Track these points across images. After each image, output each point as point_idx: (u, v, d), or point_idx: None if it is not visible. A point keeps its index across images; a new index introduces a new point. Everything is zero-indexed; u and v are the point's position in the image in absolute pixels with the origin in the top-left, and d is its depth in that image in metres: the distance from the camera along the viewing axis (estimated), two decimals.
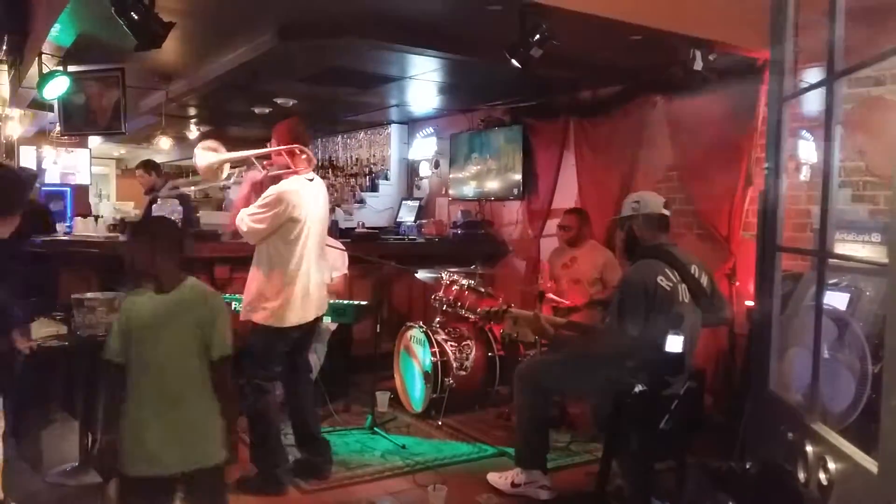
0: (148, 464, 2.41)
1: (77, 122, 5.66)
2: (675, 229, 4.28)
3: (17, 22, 5.38)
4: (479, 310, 4.76)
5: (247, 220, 3.55)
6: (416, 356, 5.08)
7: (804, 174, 4.14)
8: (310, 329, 3.80)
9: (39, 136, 8.91)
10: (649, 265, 3.36)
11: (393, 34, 4.37)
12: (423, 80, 5.80)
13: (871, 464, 1.49)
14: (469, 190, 7.29)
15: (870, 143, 3.81)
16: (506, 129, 6.80)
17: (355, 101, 6.92)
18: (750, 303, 4.25)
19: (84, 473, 3.75)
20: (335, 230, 6.00)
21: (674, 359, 3.19)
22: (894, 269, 1.41)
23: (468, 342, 5.07)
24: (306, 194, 3.61)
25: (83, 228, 5.59)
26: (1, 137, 7.98)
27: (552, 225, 5.95)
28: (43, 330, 3.68)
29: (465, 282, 4.99)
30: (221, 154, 3.73)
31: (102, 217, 6.63)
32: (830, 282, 2.50)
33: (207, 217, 6.26)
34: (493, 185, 6.96)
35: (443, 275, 5.11)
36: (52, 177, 8.92)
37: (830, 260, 1.91)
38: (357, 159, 9.11)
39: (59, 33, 4.36)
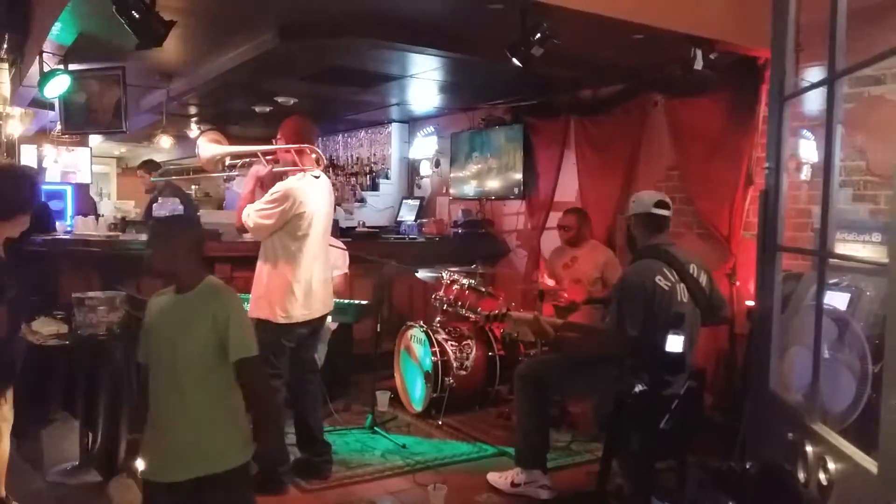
0: (161, 469, 2.36)
1: (78, 120, 5.65)
2: (676, 228, 4.28)
3: (18, 20, 5.38)
4: (479, 311, 4.76)
5: (253, 215, 3.56)
6: (417, 356, 5.08)
7: (805, 174, 4.14)
8: (316, 327, 3.81)
9: (40, 135, 8.91)
10: (647, 265, 3.36)
11: (394, 33, 4.37)
12: (423, 79, 5.80)
13: (870, 464, 1.50)
14: (470, 189, 7.29)
15: (870, 142, 3.81)
16: (506, 128, 6.80)
17: (356, 100, 6.92)
18: (750, 302, 4.24)
19: (84, 472, 3.76)
20: (336, 229, 6.00)
21: (674, 358, 3.19)
22: (895, 268, 1.41)
23: (468, 342, 5.07)
24: (313, 191, 3.63)
25: (84, 227, 5.59)
26: (2, 136, 7.97)
27: (553, 224, 5.95)
28: (44, 329, 3.68)
29: (465, 281, 4.98)
30: (225, 146, 3.73)
31: (103, 216, 6.64)
32: (831, 281, 2.50)
33: (208, 216, 6.27)
34: (493, 184, 6.96)
35: (443, 274, 5.11)
36: (52, 175, 8.92)
37: (831, 260, 1.91)
38: (358, 158, 9.11)
39: (60, 32, 4.36)
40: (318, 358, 4.58)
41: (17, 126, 8.13)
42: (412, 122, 8.34)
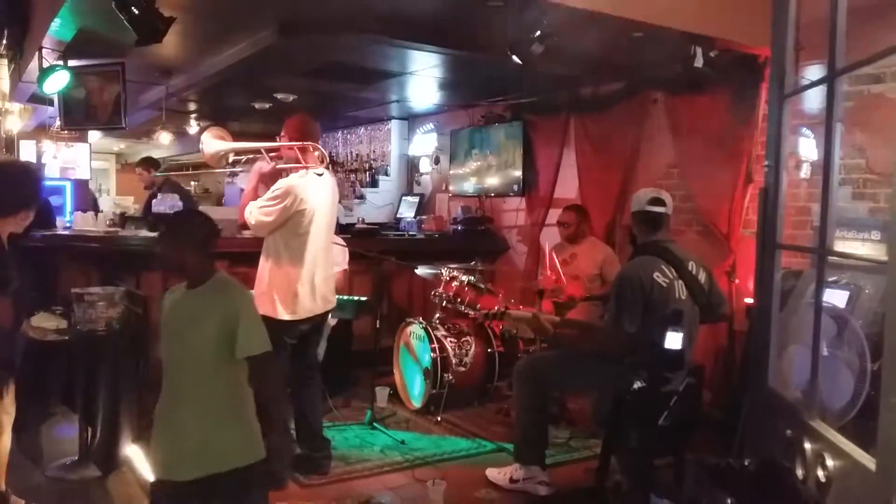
0: (167, 467, 2.35)
1: (77, 116, 5.65)
2: (675, 226, 4.29)
3: (18, 16, 5.37)
4: (478, 307, 4.76)
5: (255, 213, 3.58)
6: (416, 352, 5.08)
7: (804, 172, 4.15)
8: (318, 323, 3.82)
9: (39, 131, 8.91)
10: (646, 261, 3.37)
11: (394, 30, 4.37)
12: (423, 76, 5.80)
13: (869, 461, 1.50)
14: (469, 186, 7.29)
15: (870, 140, 3.82)
16: (506, 126, 6.79)
17: (356, 97, 6.91)
18: (749, 300, 4.25)
19: (84, 467, 3.76)
20: (335, 226, 6.00)
21: (672, 355, 3.19)
22: (894, 266, 1.41)
23: (468, 338, 5.08)
24: (315, 189, 3.64)
25: (83, 223, 5.59)
26: (1, 132, 7.96)
27: (552, 221, 5.95)
28: (43, 324, 3.68)
29: (464, 278, 4.99)
30: (229, 143, 3.73)
31: (102, 212, 6.63)
32: (830, 279, 2.50)
33: (207, 212, 6.26)
34: (493, 181, 6.96)
35: (443, 271, 5.11)
36: (51, 171, 8.91)
37: (830, 257, 1.91)
38: (357, 155, 9.11)
39: (59, 28, 4.35)
40: (318, 353, 4.59)
41: (16, 122, 8.13)
42: (412, 119, 8.34)
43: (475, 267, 5.21)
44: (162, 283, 5.06)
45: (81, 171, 9.23)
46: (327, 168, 3.89)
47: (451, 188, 7.60)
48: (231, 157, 3.80)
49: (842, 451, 1.63)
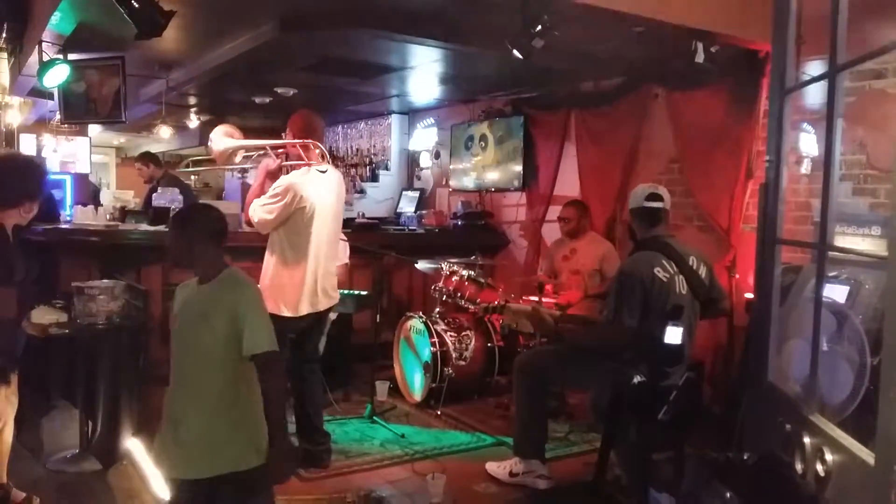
0: (173, 466, 2.33)
1: (77, 110, 5.64)
2: (675, 221, 4.29)
3: (18, 10, 5.36)
4: (478, 302, 4.77)
5: (258, 210, 3.60)
6: (416, 346, 5.09)
7: (805, 167, 4.14)
8: (319, 318, 3.82)
9: (39, 125, 8.88)
10: (646, 256, 3.37)
11: (394, 24, 4.36)
12: (424, 71, 5.79)
13: (867, 455, 1.50)
14: (469, 181, 7.29)
15: (871, 136, 3.81)
16: (507, 120, 6.79)
17: (356, 91, 6.91)
18: (749, 295, 4.25)
19: (84, 460, 3.77)
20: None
21: (672, 350, 3.20)
22: (894, 262, 1.42)
23: (468, 332, 5.09)
24: (317, 186, 3.64)
25: (83, 217, 5.59)
26: (1, 126, 7.95)
27: (553, 216, 5.95)
28: (44, 318, 3.68)
29: (464, 272, 4.99)
30: (237, 140, 3.75)
31: (103, 206, 6.63)
32: (830, 274, 2.50)
33: None
34: (493, 175, 6.96)
35: (443, 265, 5.12)
36: (51, 165, 8.88)
37: (830, 253, 1.91)
38: (357, 149, 9.10)
39: (59, 21, 4.34)
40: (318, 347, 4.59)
41: (16, 115, 8.11)
42: (412, 114, 8.33)
43: (475, 262, 5.22)
44: (162, 276, 5.07)
45: (81, 165, 9.20)
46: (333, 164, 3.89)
47: (451, 183, 7.60)
48: (240, 155, 3.80)
49: (841, 445, 1.63)
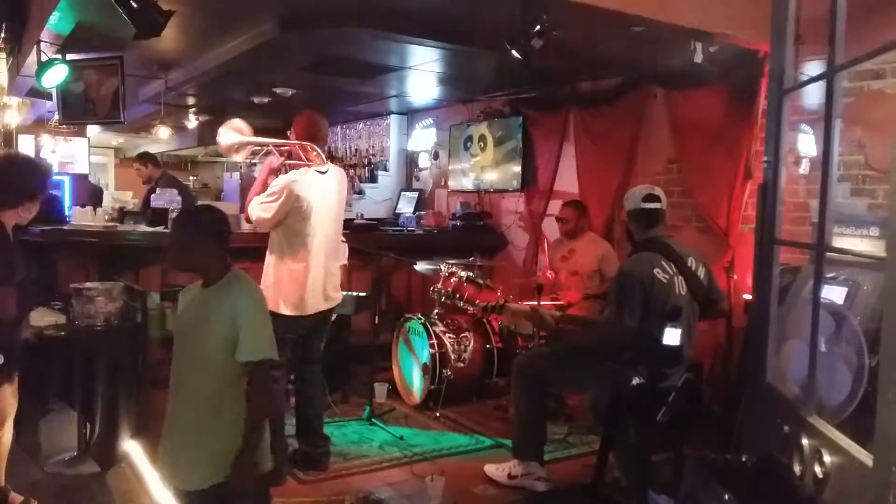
0: (167, 477, 2.30)
1: (76, 110, 5.64)
2: (674, 222, 4.29)
3: (16, 9, 5.36)
4: (477, 303, 4.76)
5: (256, 209, 3.62)
6: (415, 348, 5.08)
7: (803, 167, 4.14)
8: (321, 319, 3.82)
9: (38, 125, 8.88)
10: (646, 257, 3.37)
11: (393, 24, 4.36)
12: (422, 71, 5.78)
13: (866, 457, 1.50)
14: (468, 181, 7.29)
15: (869, 136, 3.81)
16: (506, 121, 6.79)
17: (355, 92, 6.90)
18: (748, 296, 4.25)
19: (83, 463, 3.77)
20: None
21: (671, 351, 3.20)
22: (892, 263, 1.41)
23: (466, 334, 5.08)
24: (315, 186, 3.65)
25: (81, 218, 5.58)
26: None
27: (551, 217, 5.95)
28: (43, 319, 3.68)
29: (463, 273, 4.98)
30: (244, 136, 3.75)
31: (101, 207, 6.63)
32: (828, 275, 2.50)
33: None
34: (492, 176, 6.96)
35: (441, 266, 5.10)
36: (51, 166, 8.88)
37: (828, 254, 1.91)
38: (356, 150, 9.10)
39: (57, 21, 4.34)
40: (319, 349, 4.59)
41: (14, 116, 8.10)
42: (411, 114, 8.33)
43: (474, 262, 5.21)
44: (161, 278, 5.06)
45: (80, 165, 9.20)
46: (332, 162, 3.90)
47: (450, 183, 7.60)
48: (246, 151, 3.80)
49: (839, 446, 1.63)
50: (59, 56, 4.80)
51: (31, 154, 8.47)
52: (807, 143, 4.12)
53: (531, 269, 6.21)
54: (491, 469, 3.82)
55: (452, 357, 4.91)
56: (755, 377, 2.15)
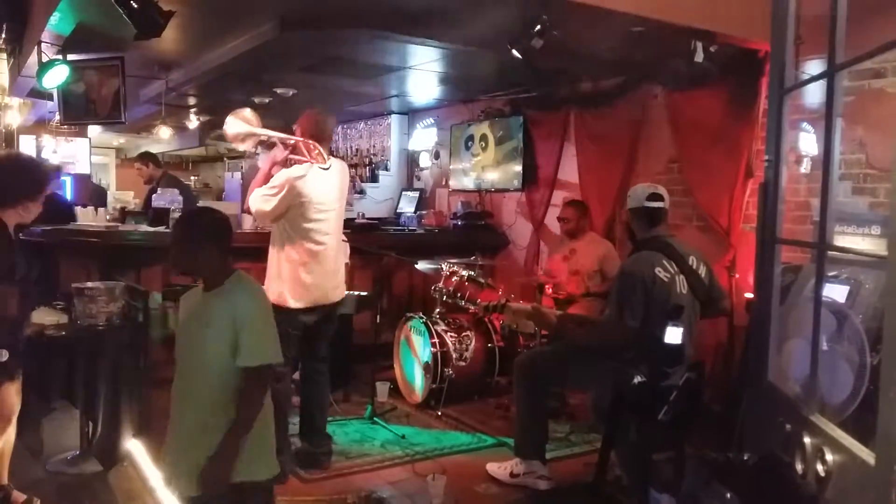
0: (172, 482, 2.28)
1: (77, 111, 5.64)
2: (675, 221, 4.29)
3: (17, 10, 5.36)
4: (478, 302, 4.77)
5: (257, 201, 3.64)
6: (416, 347, 5.09)
7: (804, 166, 4.14)
8: (326, 315, 3.83)
9: (39, 126, 8.89)
10: (647, 256, 3.37)
11: (394, 24, 4.36)
12: (423, 71, 5.79)
13: (868, 455, 1.50)
14: (469, 181, 7.29)
15: (870, 135, 3.81)
16: (506, 120, 6.79)
17: (356, 91, 6.90)
18: (749, 295, 4.25)
19: (85, 462, 3.77)
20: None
21: (673, 350, 3.20)
22: (893, 261, 1.41)
23: (468, 333, 5.09)
24: (317, 182, 3.67)
25: (83, 218, 5.59)
26: (0, 126, 7.96)
27: (552, 216, 5.95)
28: (45, 319, 3.69)
29: (465, 273, 4.99)
30: (251, 127, 3.76)
31: (105, 207, 6.64)
32: (830, 274, 2.50)
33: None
34: (493, 175, 6.96)
35: (443, 266, 5.11)
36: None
37: (830, 252, 1.91)
38: (357, 150, 9.10)
39: (58, 22, 4.34)
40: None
41: (15, 116, 8.12)
42: (412, 114, 8.33)
43: (475, 262, 5.22)
44: (162, 277, 5.07)
45: (81, 165, 9.21)
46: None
47: (451, 183, 7.60)
48: (252, 141, 3.81)
49: (841, 445, 1.63)
50: (60, 57, 4.80)
51: (33, 154, 8.49)
52: (808, 142, 4.12)
53: (532, 268, 6.21)
54: (493, 468, 3.82)
55: (454, 356, 4.92)
56: (757, 376, 2.15)
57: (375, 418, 4.60)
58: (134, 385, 3.77)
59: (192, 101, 7.65)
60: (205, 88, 6.78)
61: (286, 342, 3.60)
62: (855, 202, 3.90)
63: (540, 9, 3.58)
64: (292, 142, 3.76)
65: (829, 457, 1.65)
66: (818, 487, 1.68)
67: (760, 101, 4.42)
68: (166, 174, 7.21)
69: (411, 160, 8.41)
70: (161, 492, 3.05)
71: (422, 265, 5.34)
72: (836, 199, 2.05)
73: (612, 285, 3.59)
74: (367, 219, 6.78)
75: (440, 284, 5.07)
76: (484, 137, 7.05)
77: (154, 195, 5.98)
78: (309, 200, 3.62)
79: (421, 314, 5.16)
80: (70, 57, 4.89)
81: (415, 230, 6.88)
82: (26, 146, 8.71)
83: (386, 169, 8.51)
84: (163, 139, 8.76)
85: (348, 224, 6.25)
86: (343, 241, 4.99)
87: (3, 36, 5.76)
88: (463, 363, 4.97)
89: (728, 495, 1.96)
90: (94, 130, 9.46)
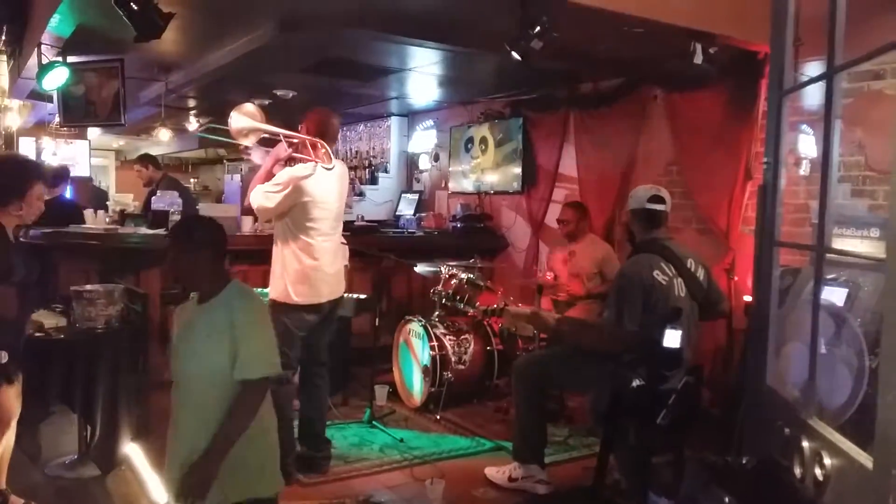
0: (176, 496, 2.20)
1: (76, 113, 5.64)
2: (674, 223, 4.28)
3: (17, 12, 5.36)
4: (477, 305, 4.76)
5: (259, 197, 3.65)
6: (415, 350, 5.08)
7: (803, 168, 4.14)
8: (326, 317, 3.83)
9: (38, 128, 8.90)
10: (645, 259, 3.36)
11: (393, 26, 4.36)
12: (422, 73, 5.79)
13: (866, 459, 1.49)
14: (469, 183, 7.29)
15: (869, 137, 3.81)
16: (506, 122, 6.79)
17: (355, 94, 6.91)
18: (748, 297, 4.24)
19: (83, 466, 3.77)
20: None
21: (671, 353, 3.19)
22: (892, 264, 1.41)
23: (467, 336, 5.08)
24: (320, 182, 3.68)
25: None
26: (0, 128, 7.96)
27: (552, 218, 5.95)
28: (44, 321, 3.68)
29: (464, 275, 4.99)
30: (255, 122, 3.75)
31: (107, 211, 6.64)
32: (829, 277, 2.50)
33: (207, 209, 6.26)
34: (492, 178, 6.96)
35: (442, 268, 5.11)
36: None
37: (829, 255, 1.91)
38: (357, 152, 9.11)
39: (58, 24, 4.35)
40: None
41: (15, 118, 8.12)
42: (411, 116, 8.33)
43: (474, 264, 5.21)
44: (161, 280, 5.06)
45: (81, 167, 9.22)
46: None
47: (450, 185, 7.60)
48: (255, 136, 3.80)
49: (839, 449, 1.62)
50: (60, 59, 4.80)
51: (33, 156, 8.50)
52: (807, 144, 4.11)
53: (531, 270, 6.21)
54: (491, 472, 3.81)
55: (453, 359, 4.91)
56: (755, 379, 2.14)
57: (374, 422, 4.59)
58: (132, 389, 3.76)
59: (191, 102, 7.65)
60: (204, 90, 6.78)
61: (290, 342, 3.62)
62: (854, 204, 3.89)
63: (539, 10, 3.58)
64: (296, 141, 3.75)
65: (827, 461, 1.64)
66: (816, 491, 1.67)
67: (760, 102, 4.41)
68: (166, 176, 7.21)
69: (411, 162, 8.41)
70: (159, 496, 3.05)
71: (421, 268, 5.33)
72: (835, 202, 2.04)
73: (610, 288, 3.58)
74: (367, 221, 6.78)
75: (439, 287, 5.07)
76: (484, 140, 7.05)
77: (153, 197, 5.98)
78: (312, 200, 3.63)
79: (420, 317, 5.15)
80: (70, 59, 4.90)
81: (414, 232, 6.88)
82: (26, 148, 8.72)
83: (385, 171, 8.52)
84: (162, 141, 8.77)
85: (348, 226, 6.26)
86: (342, 243, 5.01)
87: (4, 38, 5.77)
88: (462, 366, 4.96)
89: (727, 499, 1.95)
90: (93, 132, 9.48)
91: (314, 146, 3.72)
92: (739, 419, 2.39)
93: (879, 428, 1.41)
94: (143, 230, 5.40)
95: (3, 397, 3.04)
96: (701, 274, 3.45)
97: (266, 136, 3.78)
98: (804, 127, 4.09)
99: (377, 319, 4.75)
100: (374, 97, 7.16)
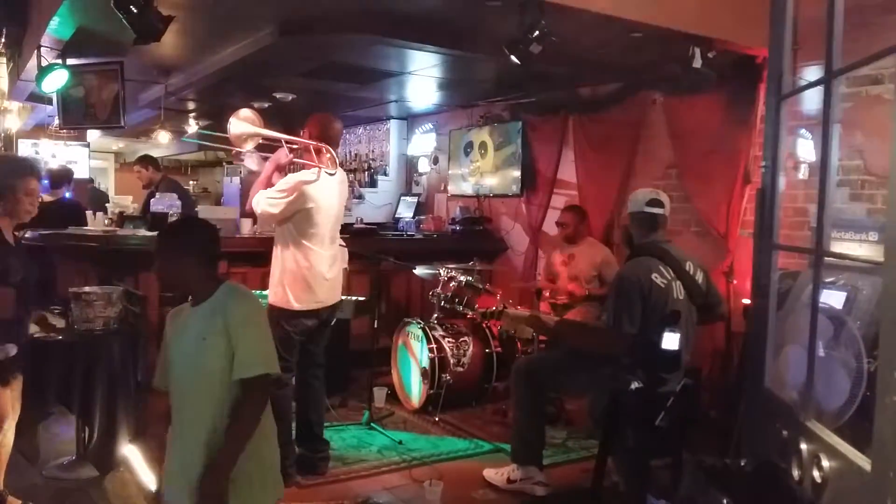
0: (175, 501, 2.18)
1: (76, 115, 5.63)
2: (673, 227, 4.29)
3: (16, 14, 5.37)
4: (476, 308, 4.77)
5: (263, 203, 3.64)
6: (414, 352, 5.08)
7: (802, 172, 4.15)
8: (325, 321, 3.84)
9: (38, 130, 8.90)
10: (644, 262, 3.36)
11: (393, 29, 4.37)
12: (422, 76, 5.79)
13: (864, 462, 1.50)
14: (468, 186, 7.30)
15: (868, 141, 3.82)
16: (505, 126, 6.80)
17: (355, 97, 6.91)
18: (747, 300, 4.25)
19: (81, 467, 3.76)
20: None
21: (670, 356, 3.19)
22: (890, 267, 1.41)
23: (466, 338, 5.08)
24: (324, 188, 3.68)
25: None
26: None
27: (551, 222, 5.96)
28: (43, 323, 3.68)
29: (463, 278, 4.99)
30: (254, 127, 3.75)
31: (107, 213, 6.63)
32: (827, 280, 2.51)
33: (206, 212, 6.27)
34: (491, 181, 6.96)
35: (441, 271, 5.11)
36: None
37: (827, 258, 1.91)
38: (356, 155, 9.11)
39: (58, 26, 4.35)
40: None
41: (14, 120, 8.12)
42: (411, 119, 8.34)
43: (473, 267, 5.21)
44: (160, 282, 5.06)
45: (80, 170, 9.21)
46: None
47: (449, 188, 7.61)
48: (254, 142, 3.79)
49: (837, 451, 1.63)
50: (60, 61, 4.81)
51: (31, 158, 8.49)
52: (806, 148, 4.12)
53: (530, 273, 6.21)
54: (490, 474, 3.82)
55: (452, 361, 4.91)
56: (754, 382, 2.15)
57: (373, 424, 4.59)
58: (131, 390, 3.76)
59: (191, 105, 7.65)
60: (204, 93, 6.78)
61: (289, 346, 3.62)
62: (853, 208, 3.90)
63: (538, 14, 3.59)
64: (297, 147, 3.74)
65: (825, 463, 1.65)
66: (814, 494, 1.68)
67: (758, 106, 4.42)
68: (165, 178, 7.21)
69: (410, 165, 8.41)
70: (156, 497, 3.04)
71: (420, 270, 5.34)
72: (834, 206, 2.05)
73: (608, 291, 3.58)
74: (366, 224, 6.78)
75: (438, 290, 5.07)
76: (483, 144, 7.05)
77: (153, 199, 5.97)
78: (316, 206, 3.63)
79: (419, 319, 5.16)
80: (69, 61, 4.90)
81: (413, 235, 6.88)
82: (25, 150, 8.72)
83: (385, 174, 8.52)
84: (161, 143, 8.76)
85: (347, 229, 6.26)
86: (342, 245, 5.01)
87: (3, 40, 5.77)
88: (461, 369, 4.96)
89: (725, 501, 1.96)
90: (93, 135, 9.47)
91: (318, 151, 3.69)
92: (738, 422, 2.40)
93: (877, 431, 1.42)
94: (142, 232, 5.40)
95: None
96: (700, 277, 3.46)
97: (265, 141, 3.77)
98: (803, 131, 4.10)
99: (376, 322, 4.75)
100: (373, 100, 7.17)
